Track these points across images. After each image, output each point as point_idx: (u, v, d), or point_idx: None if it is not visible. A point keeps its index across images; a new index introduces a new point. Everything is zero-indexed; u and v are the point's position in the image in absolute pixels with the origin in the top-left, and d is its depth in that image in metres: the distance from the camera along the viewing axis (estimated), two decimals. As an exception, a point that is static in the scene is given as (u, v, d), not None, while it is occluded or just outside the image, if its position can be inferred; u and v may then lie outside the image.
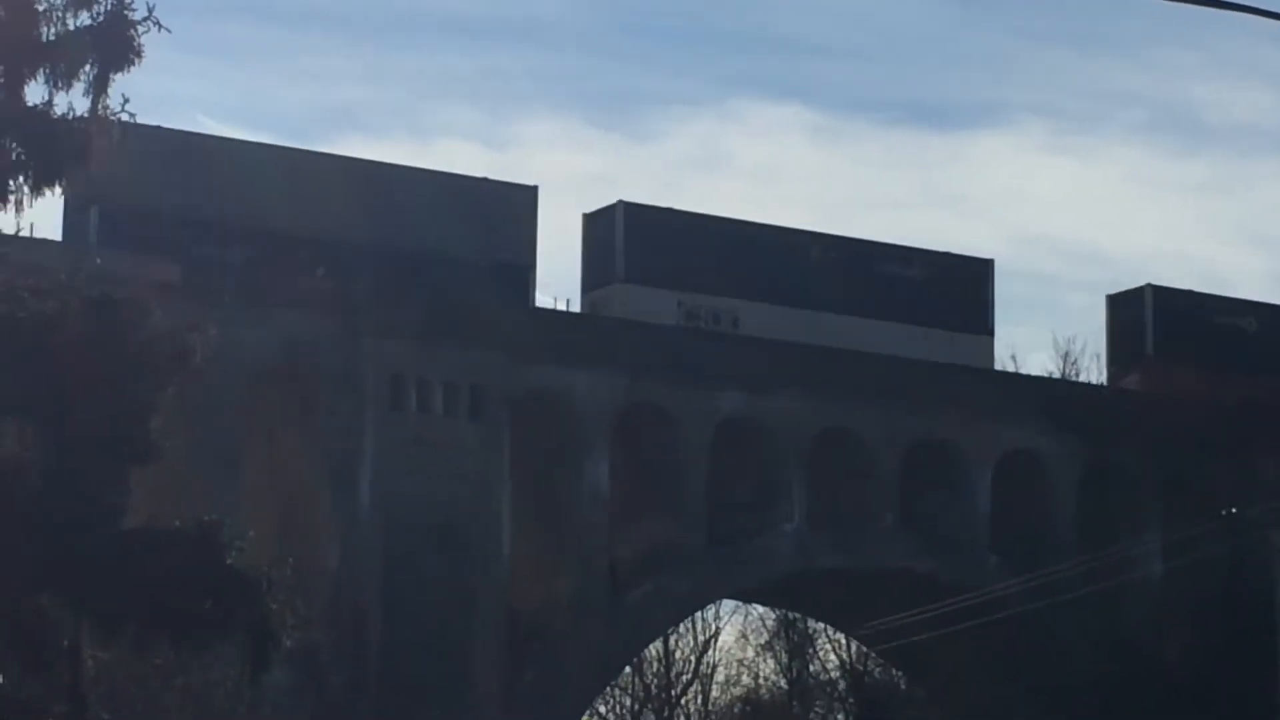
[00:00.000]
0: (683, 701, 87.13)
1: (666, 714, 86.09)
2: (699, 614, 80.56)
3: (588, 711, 77.43)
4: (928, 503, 69.63)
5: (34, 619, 28.22)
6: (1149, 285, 74.93)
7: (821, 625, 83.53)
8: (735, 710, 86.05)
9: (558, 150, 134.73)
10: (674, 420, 66.45)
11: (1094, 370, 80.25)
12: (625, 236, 67.65)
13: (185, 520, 31.29)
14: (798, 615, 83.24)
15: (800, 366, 68.32)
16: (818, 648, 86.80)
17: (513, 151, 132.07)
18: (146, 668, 37.61)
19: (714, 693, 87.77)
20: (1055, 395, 73.98)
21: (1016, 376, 76.33)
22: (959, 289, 73.41)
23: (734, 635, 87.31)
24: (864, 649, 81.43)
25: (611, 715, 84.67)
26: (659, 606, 68.65)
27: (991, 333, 73.18)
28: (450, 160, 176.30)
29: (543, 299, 67.36)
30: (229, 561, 29.82)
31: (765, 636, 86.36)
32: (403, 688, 57.32)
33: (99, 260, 32.95)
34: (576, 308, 68.86)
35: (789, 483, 67.90)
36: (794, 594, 75.74)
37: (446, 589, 60.19)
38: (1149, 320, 73.39)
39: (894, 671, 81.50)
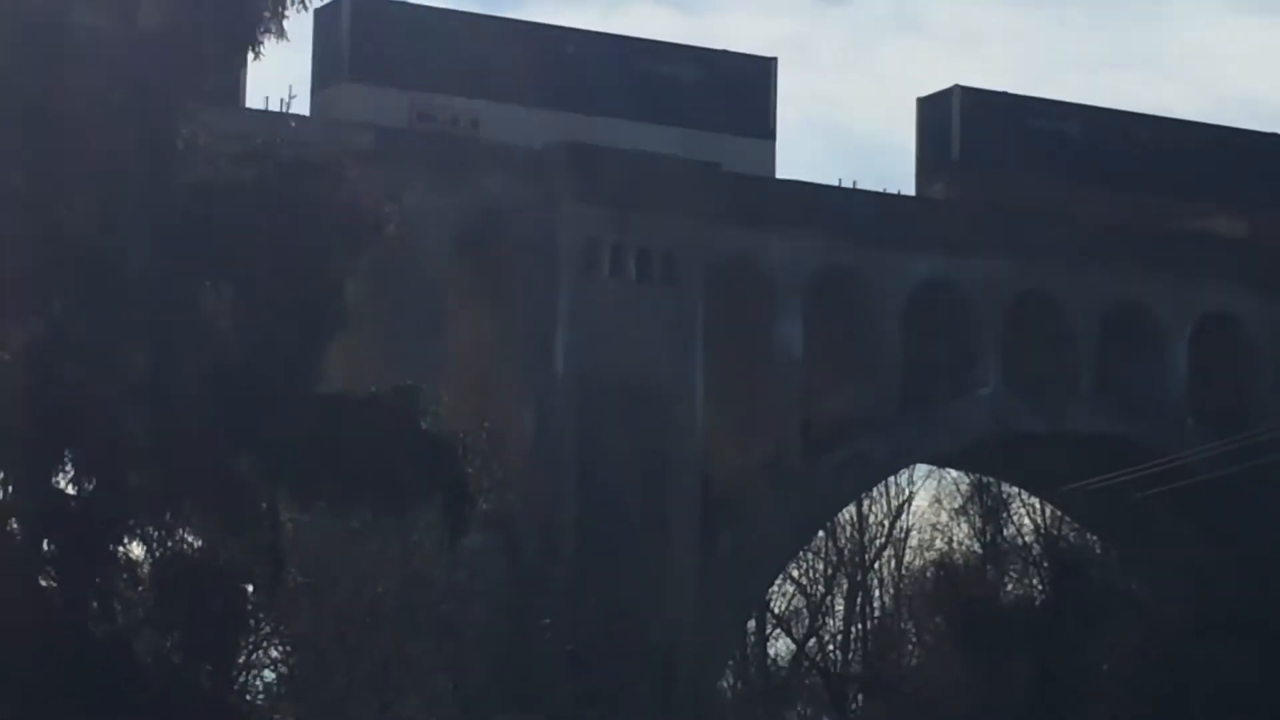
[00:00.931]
0: (876, 566, 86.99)
1: (860, 578, 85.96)
2: (892, 479, 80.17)
3: (781, 577, 77.96)
4: (1124, 367, 68.62)
5: (233, 483, 28.63)
6: (957, 86, 69.86)
7: (1016, 490, 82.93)
8: (928, 574, 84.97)
9: (753, 15, 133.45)
10: (869, 284, 65.44)
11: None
12: (352, 30, 63.16)
13: (382, 386, 31.90)
14: (992, 480, 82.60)
15: (997, 229, 67.04)
16: (1012, 512, 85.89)
17: (707, 16, 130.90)
18: (344, 531, 38.46)
19: (907, 557, 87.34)
20: (1248, 257, 70.79)
21: (1214, 239, 73.06)
22: (736, 90, 68.34)
23: (928, 500, 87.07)
24: (1059, 513, 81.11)
25: (805, 580, 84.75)
26: (853, 472, 68.17)
27: (772, 136, 67.99)
28: (643, 25, 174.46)
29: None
30: (425, 426, 30.19)
31: (959, 501, 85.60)
32: (597, 553, 57.77)
33: (294, 126, 32.93)
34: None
35: (984, 347, 67.09)
36: (988, 458, 74.96)
37: (640, 454, 60.32)
38: (956, 124, 68.73)
39: (1089, 536, 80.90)
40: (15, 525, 28.49)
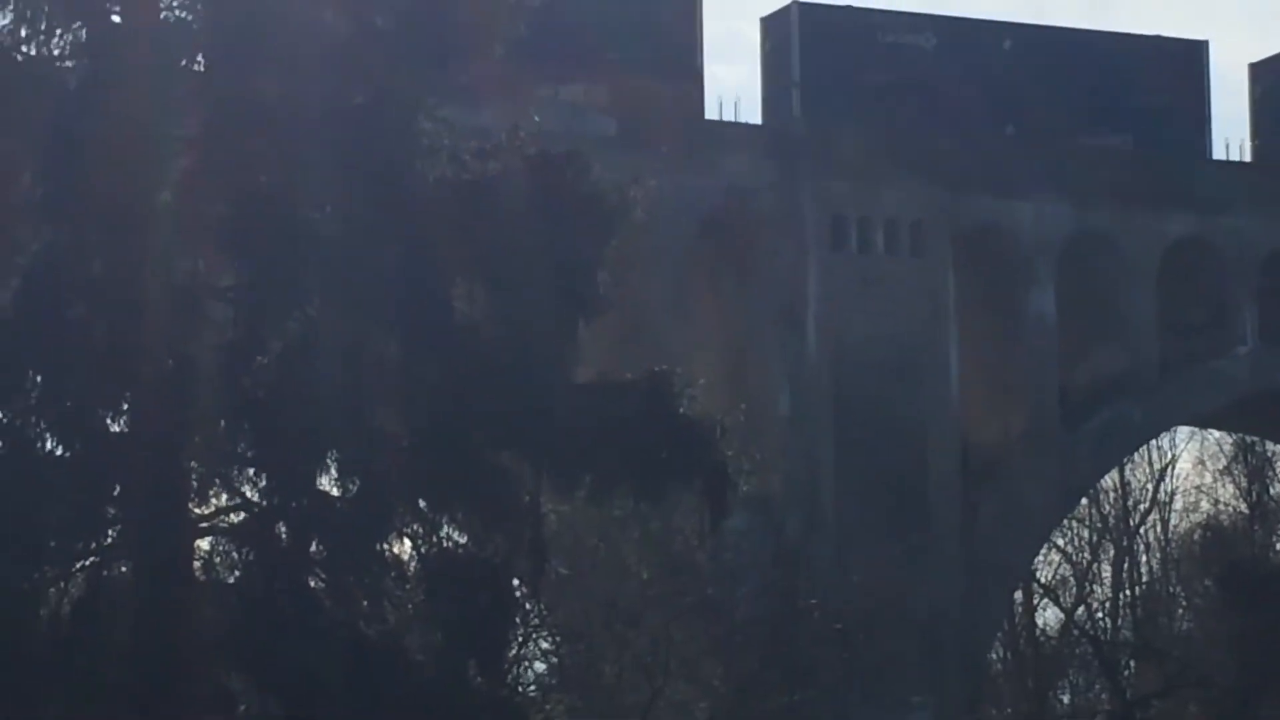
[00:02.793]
0: (1141, 531, 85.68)
1: (1126, 544, 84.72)
2: (1154, 442, 78.82)
3: (1046, 546, 77.12)
4: None
5: (495, 476, 28.68)
6: (795, 3, 65.80)
7: None
8: (1195, 537, 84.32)
9: None
10: (1121, 246, 64.58)
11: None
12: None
13: (637, 371, 31.51)
14: (1256, 438, 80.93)
15: (1250, 185, 65.91)
16: (1278, 470, 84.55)
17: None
18: (606, 518, 38.13)
19: (1173, 520, 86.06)
20: None
21: None
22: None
23: (1191, 462, 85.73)
24: None
25: (1070, 547, 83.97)
26: (1113, 436, 67.44)
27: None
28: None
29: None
30: (682, 410, 29.88)
31: (1223, 461, 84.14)
32: (859, 527, 57.45)
33: (537, 119, 32.63)
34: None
35: (1241, 304, 66.00)
36: (1251, 416, 73.45)
37: (898, 427, 59.85)
38: (795, 43, 64.93)
39: None
40: (282, 528, 28.77)
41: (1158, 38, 70.36)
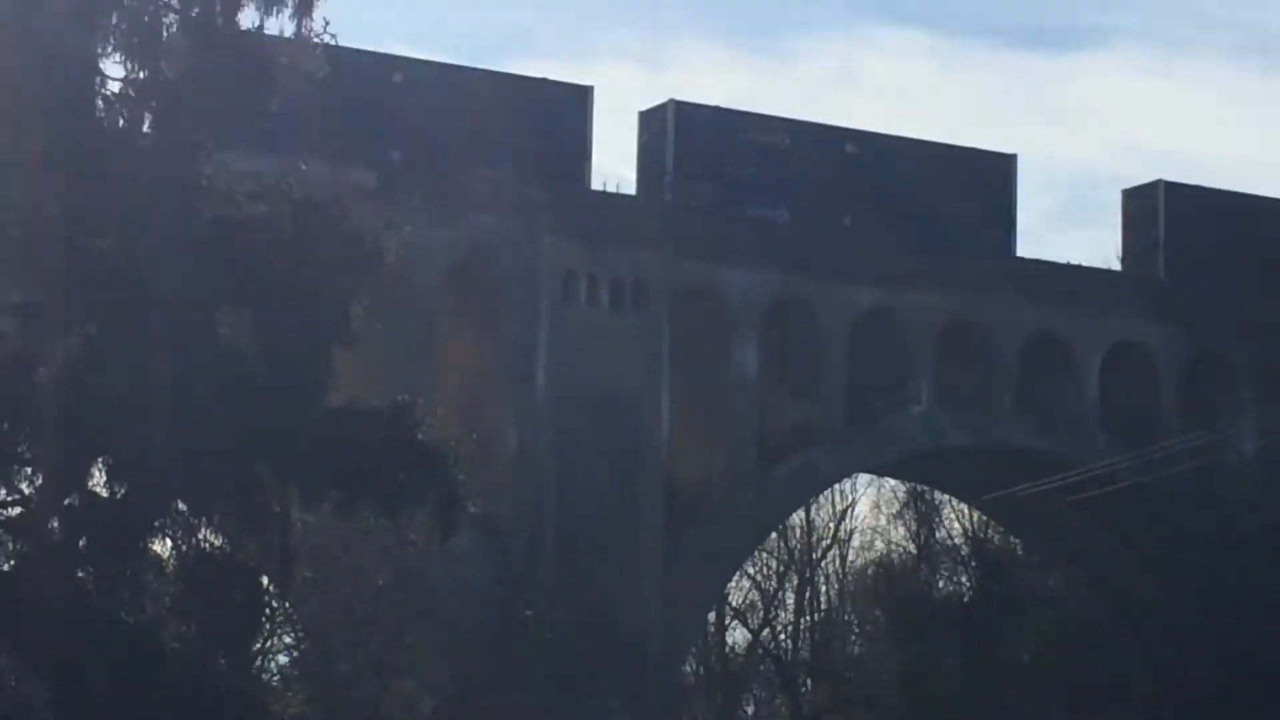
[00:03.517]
0: (823, 564, 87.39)
1: (809, 575, 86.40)
2: (837, 486, 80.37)
3: (738, 574, 78.03)
4: (1044, 387, 68.44)
5: (249, 487, 28.75)
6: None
7: (947, 497, 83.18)
8: (869, 572, 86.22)
9: (708, 70, 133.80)
10: (817, 313, 65.55)
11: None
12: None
13: (382, 401, 31.62)
14: (925, 488, 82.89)
15: (931, 265, 67.14)
16: (943, 517, 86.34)
17: (669, 72, 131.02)
18: (348, 530, 38.34)
19: (850, 556, 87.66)
20: (1161, 291, 70.27)
21: (1127, 275, 73.23)
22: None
23: (868, 505, 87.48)
24: (985, 518, 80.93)
25: (759, 576, 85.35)
26: (802, 480, 68.22)
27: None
28: (613, 79, 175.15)
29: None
30: (420, 437, 30.16)
31: (896, 507, 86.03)
32: (575, 551, 57.76)
33: (304, 167, 33.07)
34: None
35: (919, 369, 67.38)
36: (922, 468, 75.12)
37: (613, 464, 60.54)
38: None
39: (1011, 539, 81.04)
40: (55, 524, 28.46)
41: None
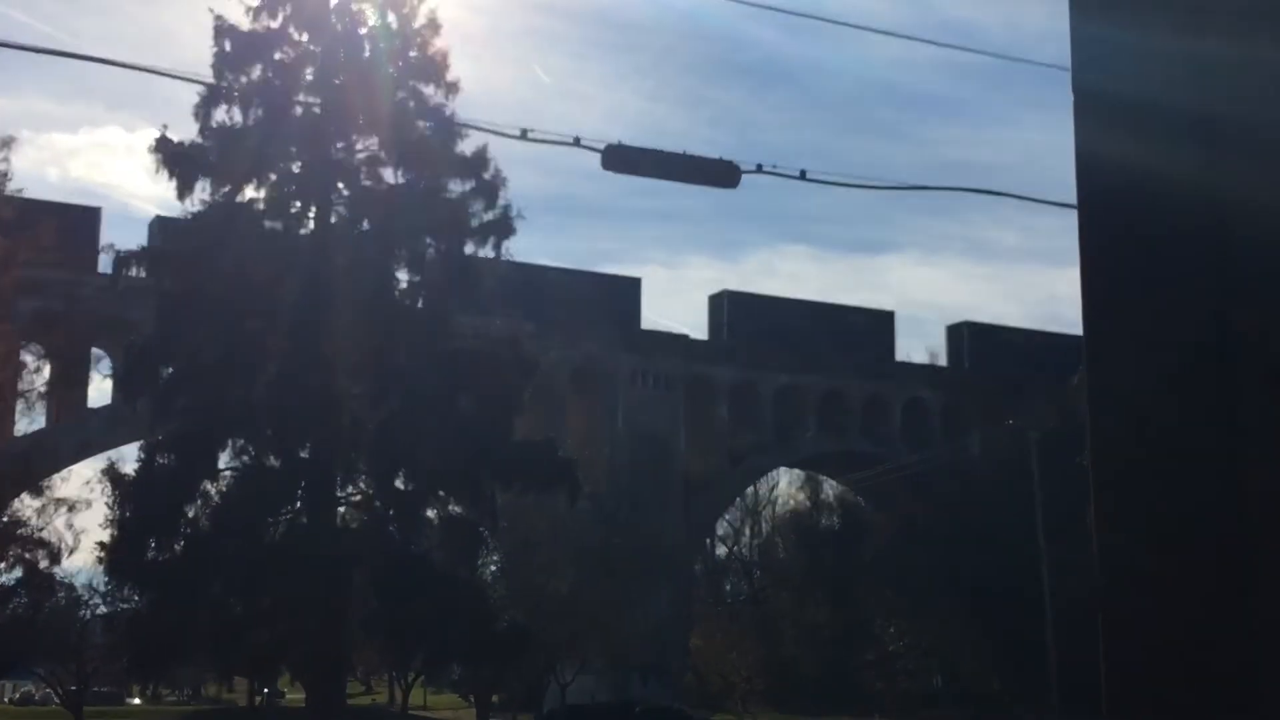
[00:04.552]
0: (763, 513, 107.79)
1: (754, 522, 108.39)
2: (771, 473, 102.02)
3: (720, 519, 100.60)
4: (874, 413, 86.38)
5: (475, 481, 38.10)
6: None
7: (825, 477, 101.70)
8: (787, 517, 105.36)
9: (701, 270, 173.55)
10: (758, 389, 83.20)
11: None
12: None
13: (540, 438, 41.95)
14: (816, 473, 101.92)
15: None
16: (824, 488, 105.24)
17: (681, 271, 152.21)
18: (523, 501, 48.47)
19: (778, 508, 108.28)
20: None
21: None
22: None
23: (786, 483, 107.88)
24: (848, 488, 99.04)
25: (733, 521, 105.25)
26: (752, 471, 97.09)
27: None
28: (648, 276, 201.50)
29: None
30: (559, 454, 40.79)
31: (800, 483, 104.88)
32: (640, 510, 69.13)
33: (499, 323, 41.99)
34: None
35: (806, 414, 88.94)
36: (813, 464, 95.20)
37: (657, 467, 78.60)
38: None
39: (860, 500, 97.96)
40: (378, 503, 38.02)
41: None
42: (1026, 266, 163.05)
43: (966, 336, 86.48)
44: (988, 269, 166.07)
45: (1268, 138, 3.43)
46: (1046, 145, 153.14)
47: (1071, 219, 3.78)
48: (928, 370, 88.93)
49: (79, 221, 60.39)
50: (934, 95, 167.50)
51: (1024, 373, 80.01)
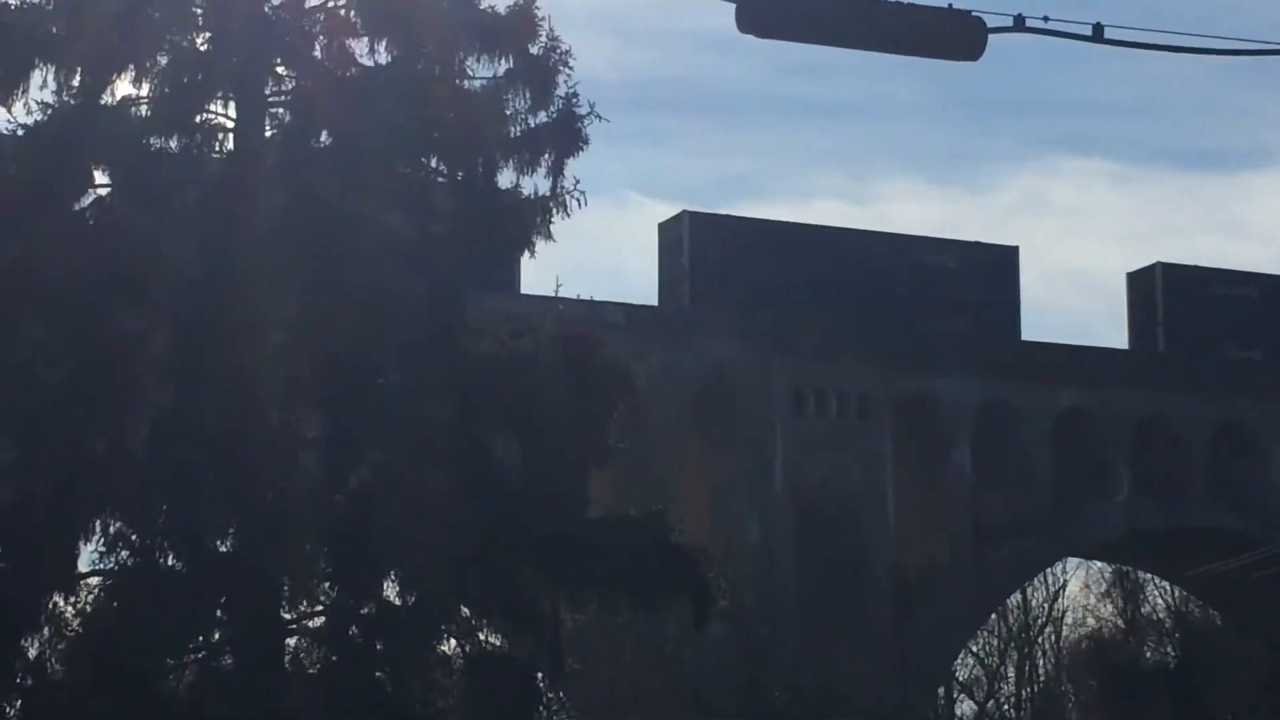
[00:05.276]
0: (1039, 640, 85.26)
1: (1027, 651, 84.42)
2: (1049, 569, 78.19)
3: (963, 652, 76.32)
4: (1233, 471, 66.10)
5: (524, 591, 28.03)
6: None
7: (1149, 575, 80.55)
8: (1082, 645, 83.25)
9: (909, 203, 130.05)
10: (1021, 414, 64.10)
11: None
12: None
13: (639, 509, 31.19)
14: (1129, 568, 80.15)
15: (1122, 368, 65.91)
16: (1147, 594, 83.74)
17: (874, 206, 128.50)
18: (610, 625, 37.26)
19: (1064, 632, 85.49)
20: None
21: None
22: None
23: (1079, 586, 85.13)
24: (1185, 594, 78.19)
25: (983, 653, 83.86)
26: (1016, 563, 66.57)
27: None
28: (825, 215, 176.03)
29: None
30: (673, 539, 29.24)
31: (1104, 586, 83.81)
32: (814, 633, 56.05)
33: (561, 308, 32.66)
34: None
35: (1116, 460, 65.20)
36: (1125, 550, 72.56)
37: (847, 553, 59.11)
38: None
39: (1210, 611, 77.68)
40: (354, 630, 27.80)
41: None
42: None
43: None
44: None
45: None
46: None
47: None
48: None
49: None
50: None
51: None
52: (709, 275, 62.97)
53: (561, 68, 27.61)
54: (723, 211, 68.56)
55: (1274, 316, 68.88)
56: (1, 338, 25.98)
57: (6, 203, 24.80)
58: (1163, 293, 68.61)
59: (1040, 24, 12.32)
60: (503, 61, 27.57)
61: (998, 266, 66.82)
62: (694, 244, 62.81)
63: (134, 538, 26.87)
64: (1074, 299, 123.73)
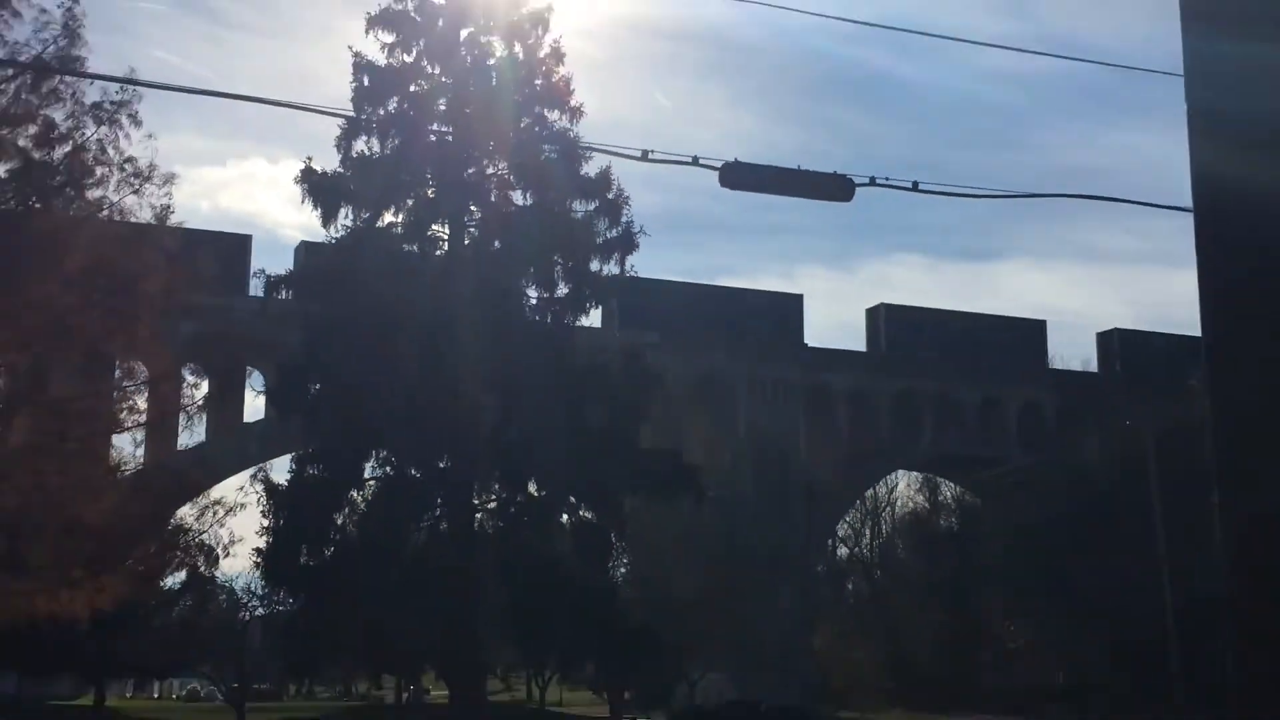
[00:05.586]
0: (883, 515, 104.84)
1: (876, 521, 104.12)
2: (888, 475, 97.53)
3: (841, 520, 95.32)
4: (984, 420, 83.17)
5: (603, 489, 37.75)
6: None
7: (944, 479, 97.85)
8: (906, 519, 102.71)
9: (818, 281, 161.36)
10: (865, 393, 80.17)
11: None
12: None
13: (660, 445, 41.54)
14: (933, 475, 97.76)
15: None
16: (942, 490, 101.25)
17: (799, 281, 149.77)
18: (651, 508, 47.51)
19: (896, 510, 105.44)
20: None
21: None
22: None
23: (904, 485, 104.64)
24: (963, 489, 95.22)
25: (853, 522, 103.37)
26: (871, 474, 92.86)
27: None
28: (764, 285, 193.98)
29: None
30: (683, 461, 39.65)
31: (918, 485, 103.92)
32: (761, 513, 70.42)
33: (617, 334, 42.18)
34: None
35: (924, 416, 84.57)
36: (931, 466, 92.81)
37: (781, 474, 75.61)
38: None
39: (977, 498, 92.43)
40: (511, 510, 37.45)
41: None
42: (1140, 269, 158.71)
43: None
44: (1101, 273, 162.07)
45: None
46: (1156, 148, 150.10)
47: (1185, 221, 3.70)
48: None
49: (231, 249, 61.49)
50: (1040, 105, 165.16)
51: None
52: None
53: (624, 206, 38.59)
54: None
55: (962, 339, 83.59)
56: (326, 355, 37.35)
57: (347, 279, 36.36)
58: (885, 322, 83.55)
59: (883, 181, 14.01)
60: (592, 202, 38.61)
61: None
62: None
63: (394, 460, 37.93)
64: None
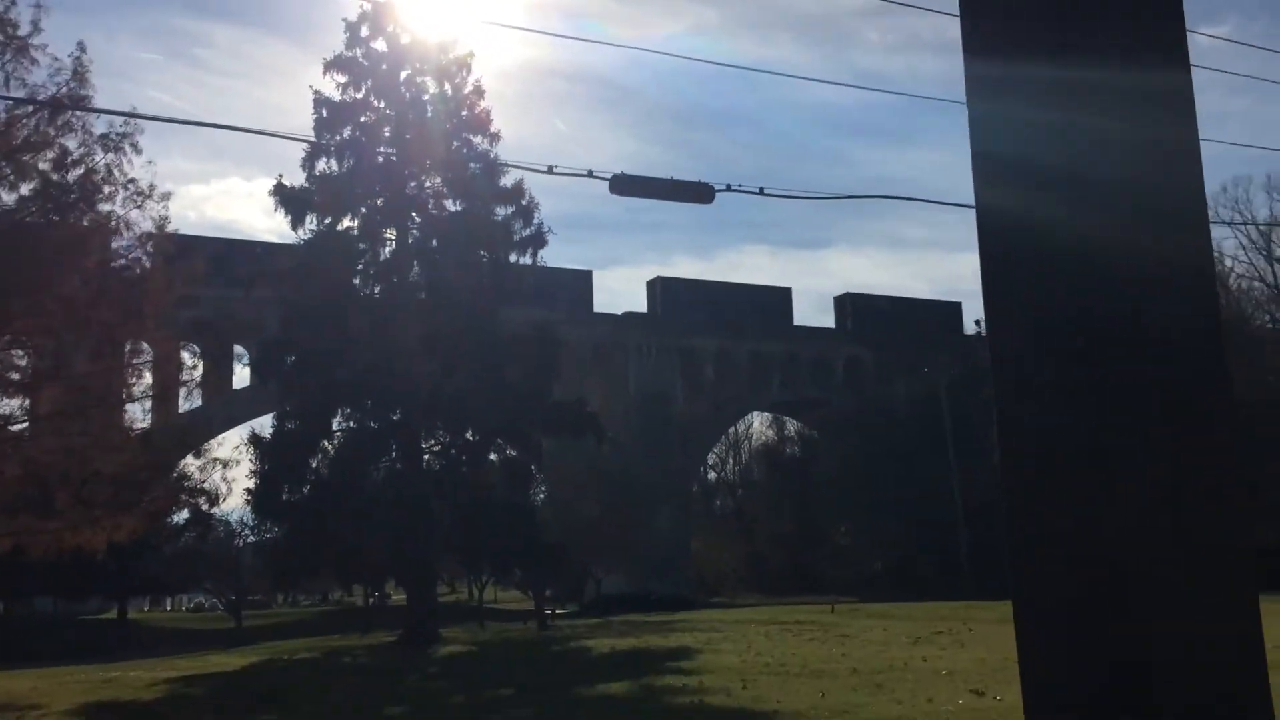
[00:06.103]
0: (742, 445, 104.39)
1: (737, 451, 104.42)
2: (747, 416, 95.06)
3: (710, 451, 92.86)
4: (814, 376, 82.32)
5: (524, 431, 36.99)
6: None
7: (789, 418, 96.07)
8: (761, 449, 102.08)
9: (688, 269, 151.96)
10: (728, 354, 78.72)
11: None
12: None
13: (568, 398, 39.64)
14: (780, 415, 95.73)
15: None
16: (788, 425, 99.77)
17: (672, 268, 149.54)
18: (561, 445, 46.44)
19: (753, 442, 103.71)
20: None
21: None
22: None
23: (759, 421, 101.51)
24: (804, 424, 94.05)
25: (719, 452, 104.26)
26: (733, 414, 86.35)
27: None
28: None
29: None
30: (587, 410, 38.92)
31: (769, 422, 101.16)
32: (645, 454, 68.58)
33: (535, 315, 40.32)
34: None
35: (770, 370, 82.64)
36: (778, 407, 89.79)
37: (664, 420, 74.62)
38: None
39: (814, 432, 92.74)
40: (452, 451, 36.84)
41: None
42: (930, 252, 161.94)
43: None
44: (901, 256, 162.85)
45: (1110, 179, 3.78)
46: (944, 159, 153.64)
47: (966, 216, 3.68)
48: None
49: (221, 250, 60.15)
50: (856, 128, 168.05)
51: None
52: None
53: (535, 210, 38.44)
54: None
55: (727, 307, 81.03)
56: (299, 333, 36.56)
57: (313, 273, 35.90)
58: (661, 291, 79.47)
59: (737, 187, 13.44)
60: (510, 207, 38.28)
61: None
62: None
63: (356, 415, 37.47)
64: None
